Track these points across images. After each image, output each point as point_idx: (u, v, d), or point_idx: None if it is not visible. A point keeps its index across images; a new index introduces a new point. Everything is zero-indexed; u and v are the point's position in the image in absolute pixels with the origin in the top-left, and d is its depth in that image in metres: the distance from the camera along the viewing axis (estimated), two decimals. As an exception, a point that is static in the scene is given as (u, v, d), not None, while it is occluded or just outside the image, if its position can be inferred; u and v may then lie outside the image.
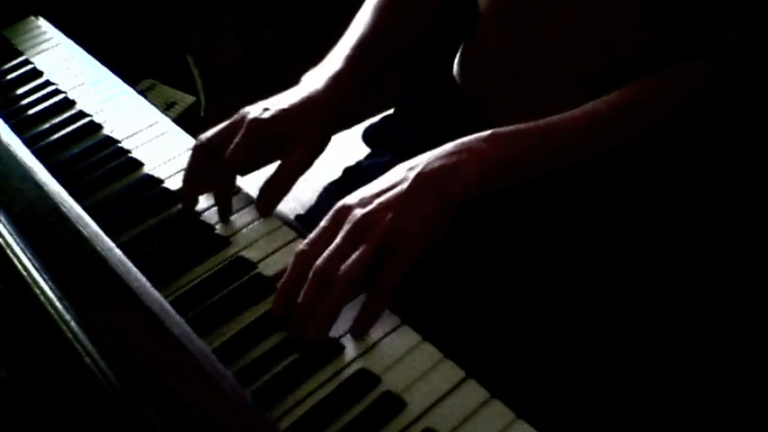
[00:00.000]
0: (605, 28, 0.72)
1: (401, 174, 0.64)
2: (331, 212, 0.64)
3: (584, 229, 0.72)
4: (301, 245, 0.63)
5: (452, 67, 0.88)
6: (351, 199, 0.64)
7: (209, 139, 0.73)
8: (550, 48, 0.75)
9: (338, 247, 0.61)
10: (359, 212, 0.62)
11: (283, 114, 0.73)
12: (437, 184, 0.63)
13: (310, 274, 0.61)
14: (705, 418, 0.67)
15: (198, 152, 0.73)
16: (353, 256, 0.60)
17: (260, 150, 0.73)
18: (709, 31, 0.69)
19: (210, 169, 0.72)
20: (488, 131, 0.66)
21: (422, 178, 0.63)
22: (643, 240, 0.72)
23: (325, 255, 0.61)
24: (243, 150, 0.71)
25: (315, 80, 0.76)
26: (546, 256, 0.72)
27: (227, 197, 0.72)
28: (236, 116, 0.74)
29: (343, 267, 0.60)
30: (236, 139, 0.71)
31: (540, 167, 0.67)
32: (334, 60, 0.78)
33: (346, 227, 0.62)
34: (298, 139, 0.73)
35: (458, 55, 0.88)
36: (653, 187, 0.72)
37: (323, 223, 0.64)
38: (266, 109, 0.73)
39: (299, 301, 0.60)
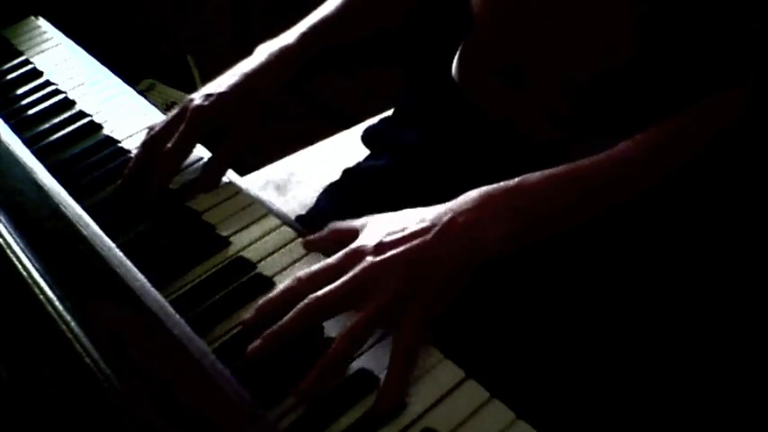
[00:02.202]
0: (599, 31, 0.72)
1: (424, 223, 0.61)
2: (343, 252, 0.61)
3: (581, 227, 0.72)
4: (300, 273, 0.61)
5: (451, 68, 0.89)
6: (367, 241, 0.61)
7: (157, 132, 0.76)
8: (546, 50, 0.75)
9: (338, 288, 0.58)
10: (370, 260, 0.59)
11: (223, 99, 0.76)
12: (459, 244, 0.59)
13: (300, 305, 0.57)
14: (705, 418, 0.67)
15: (146, 147, 0.76)
16: (362, 315, 0.57)
17: (203, 135, 0.77)
18: (718, 60, 0.67)
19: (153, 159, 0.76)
20: (514, 182, 0.63)
21: (445, 236, 0.59)
22: (642, 242, 0.72)
23: (321, 292, 0.58)
24: (186, 140, 0.75)
25: (263, 53, 0.80)
26: (545, 255, 0.72)
27: (165, 184, 0.75)
28: (181, 105, 0.77)
29: (351, 324, 0.56)
30: (180, 129, 0.75)
31: (570, 220, 0.64)
32: (290, 35, 0.82)
33: (354, 270, 0.58)
34: (239, 117, 0.77)
35: (456, 56, 0.88)
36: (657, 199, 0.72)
37: (331, 260, 0.61)
38: (208, 95, 0.76)
39: (276, 327, 0.57)
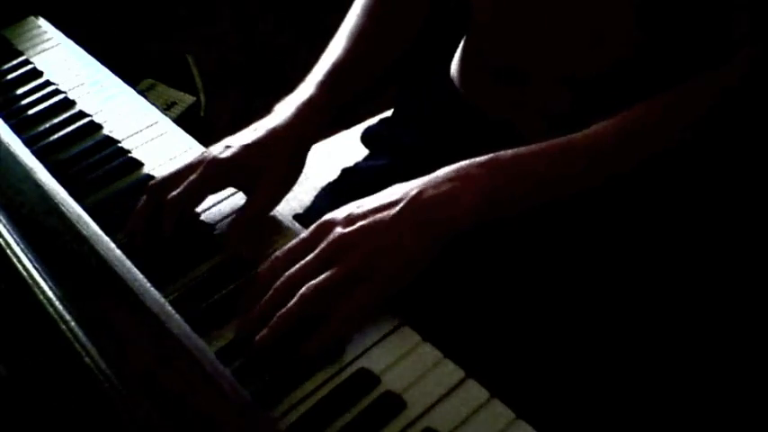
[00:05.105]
0: (599, 31, 0.72)
1: (394, 196, 0.63)
2: (315, 224, 0.64)
3: (582, 228, 0.72)
4: (278, 251, 0.63)
5: (450, 68, 0.89)
6: (338, 214, 0.63)
7: (164, 180, 0.70)
8: (545, 50, 0.75)
9: (308, 262, 0.61)
10: (339, 231, 0.61)
11: (246, 151, 0.70)
12: (425, 217, 0.61)
13: (276, 284, 0.61)
14: (705, 418, 0.67)
15: (150, 194, 0.70)
16: (320, 277, 0.59)
17: (218, 187, 0.72)
18: (711, 40, 0.68)
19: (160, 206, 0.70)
20: (487, 156, 0.64)
21: (410, 209, 0.61)
22: (642, 239, 0.72)
23: (294, 268, 0.61)
24: (196, 189, 0.69)
25: (285, 110, 0.74)
26: (545, 255, 0.72)
27: (169, 232, 0.69)
28: (197, 156, 0.72)
29: (307, 285, 0.59)
30: (190, 177, 0.69)
31: (544, 195, 0.65)
32: (307, 88, 0.76)
33: (323, 244, 0.61)
34: (263, 173, 0.71)
35: (455, 57, 0.89)
36: (654, 189, 0.72)
37: (304, 234, 0.64)
38: (228, 147, 0.70)
39: (257, 306, 0.60)
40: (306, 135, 0.74)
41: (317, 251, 0.61)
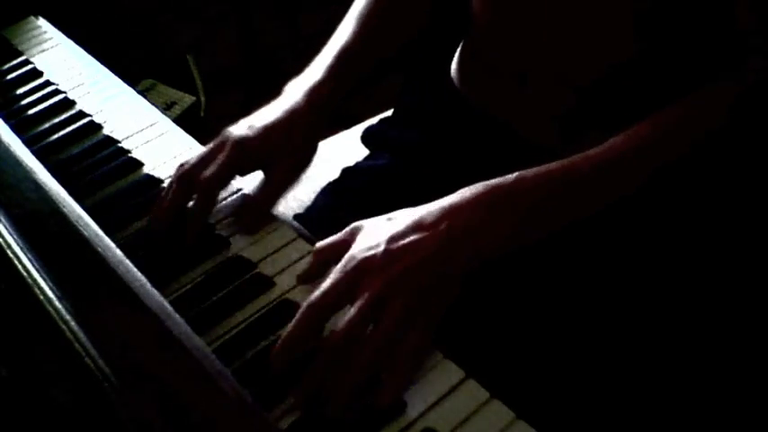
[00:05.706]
0: (598, 32, 0.72)
1: (424, 231, 0.60)
2: (346, 263, 0.59)
3: (581, 228, 0.72)
4: (312, 297, 0.58)
5: (450, 68, 0.89)
6: (370, 250, 0.59)
7: (192, 165, 0.71)
8: (544, 50, 0.75)
9: (357, 322, 0.56)
10: (381, 277, 0.57)
11: (267, 131, 0.72)
12: (462, 249, 0.60)
13: (327, 347, 0.56)
14: (705, 418, 0.67)
15: (181, 180, 0.70)
16: (377, 339, 0.56)
17: (244, 168, 0.72)
18: (715, 43, 0.68)
19: (191, 191, 0.70)
20: (512, 179, 0.62)
21: (448, 245, 0.59)
22: (642, 240, 0.72)
23: (343, 329, 0.56)
24: (226, 169, 0.70)
25: (296, 92, 0.75)
26: (545, 255, 0.72)
27: (205, 215, 0.70)
28: (219, 137, 0.72)
29: (367, 350, 0.56)
30: (219, 157, 0.70)
31: (567, 217, 0.64)
32: (316, 70, 0.77)
33: (365, 295, 0.57)
34: (282, 154, 0.72)
35: (455, 57, 0.88)
36: (656, 192, 0.72)
37: (336, 275, 0.59)
38: (250, 126, 0.72)
39: (310, 375, 0.56)
40: (317, 119, 0.75)
41: (360, 305, 0.57)
